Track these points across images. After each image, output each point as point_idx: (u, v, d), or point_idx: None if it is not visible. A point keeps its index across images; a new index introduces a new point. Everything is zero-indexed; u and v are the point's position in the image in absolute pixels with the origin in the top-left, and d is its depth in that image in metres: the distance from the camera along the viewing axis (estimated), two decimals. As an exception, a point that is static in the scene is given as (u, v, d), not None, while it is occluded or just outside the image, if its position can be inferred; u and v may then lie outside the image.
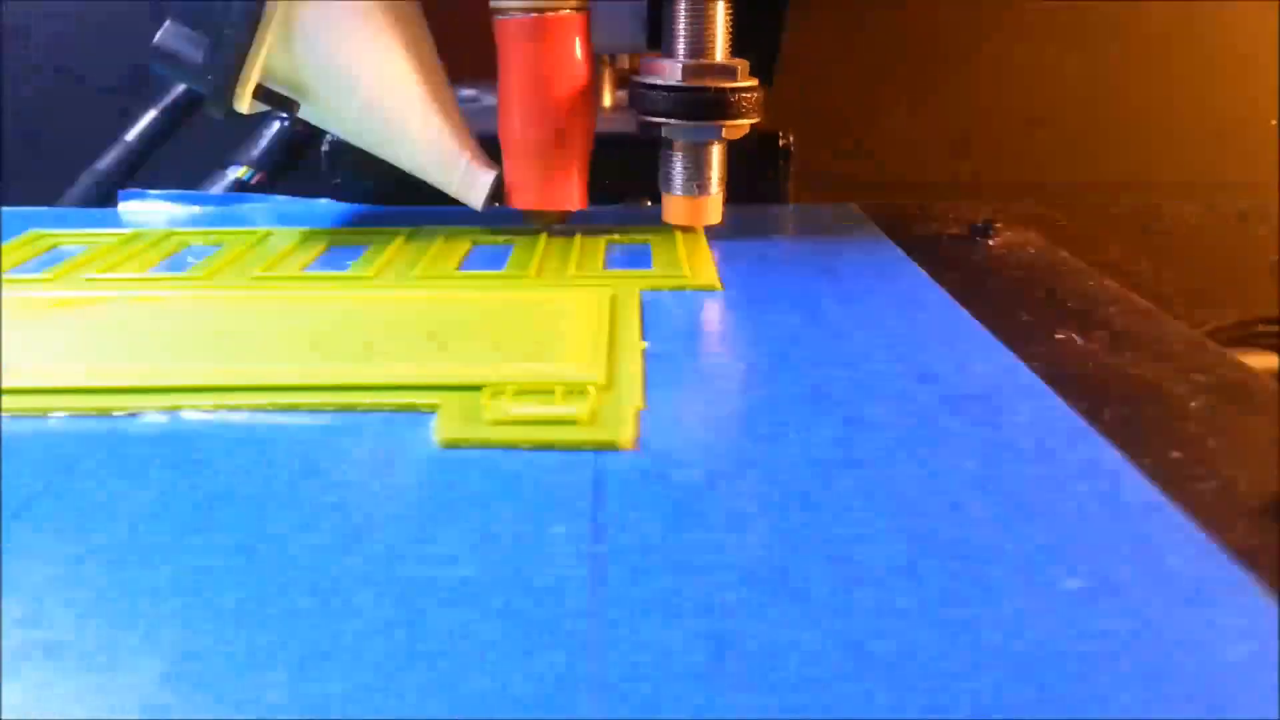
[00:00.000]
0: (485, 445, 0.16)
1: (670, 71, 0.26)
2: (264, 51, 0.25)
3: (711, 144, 0.27)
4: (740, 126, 0.27)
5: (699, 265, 0.26)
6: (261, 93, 0.26)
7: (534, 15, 0.26)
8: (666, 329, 0.21)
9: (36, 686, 0.11)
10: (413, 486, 0.15)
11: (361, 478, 0.15)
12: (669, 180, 0.28)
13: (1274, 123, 0.85)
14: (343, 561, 0.13)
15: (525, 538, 0.13)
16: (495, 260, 0.26)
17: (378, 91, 0.26)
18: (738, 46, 0.27)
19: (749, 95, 0.26)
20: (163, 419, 0.17)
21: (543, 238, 0.28)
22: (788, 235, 0.30)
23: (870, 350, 0.20)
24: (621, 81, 0.55)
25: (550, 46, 0.26)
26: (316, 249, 0.27)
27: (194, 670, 0.11)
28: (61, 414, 0.17)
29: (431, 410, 0.17)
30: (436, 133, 0.27)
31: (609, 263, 0.26)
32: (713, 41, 0.27)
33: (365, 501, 0.14)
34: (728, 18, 0.27)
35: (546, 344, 0.20)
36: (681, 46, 0.27)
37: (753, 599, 0.12)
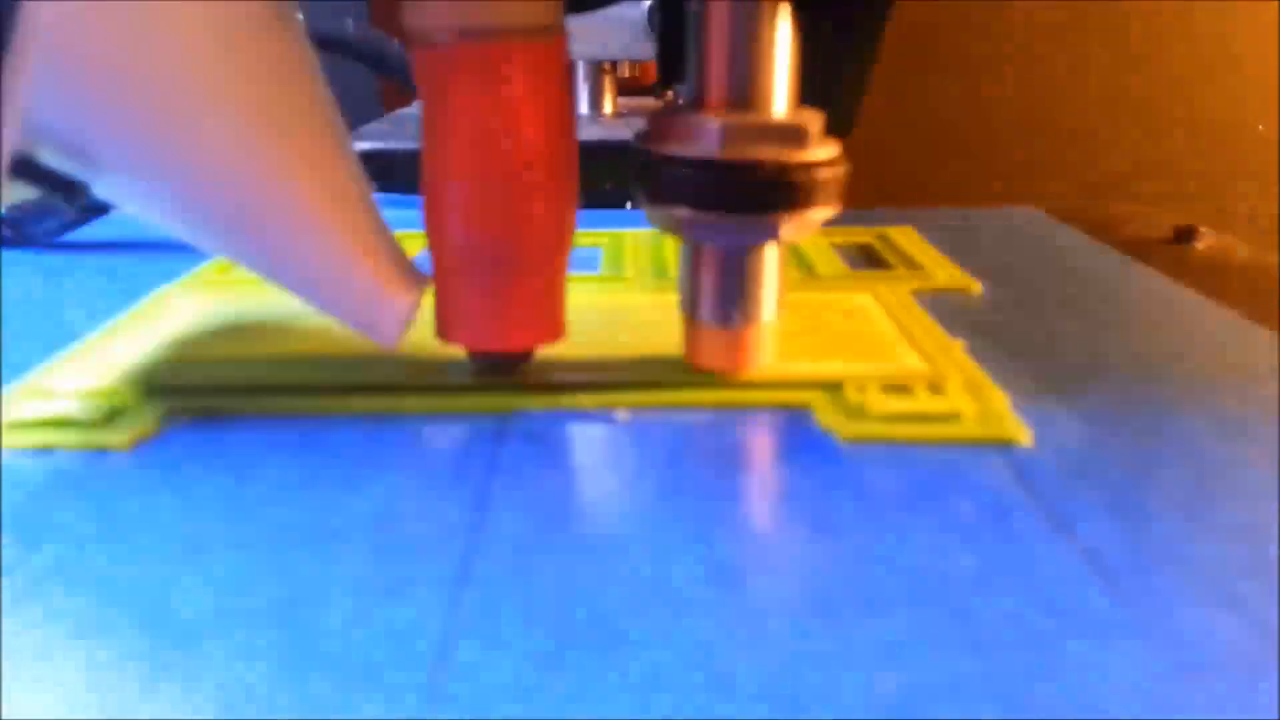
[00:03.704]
0: (884, 441, 0.15)
1: (698, 133, 0.16)
2: (18, 97, 0.13)
3: (763, 248, 0.17)
4: (809, 222, 0.16)
5: (944, 268, 0.24)
6: (22, 168, 0.15)
7: (483, 41, 0.15)
8: (957, 329, 0.20)
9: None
10: (867, 481, 0.14)
11: (793, 471, 0.15)
12: (695, 300, 0.17)
13: (1260, 127, 0.84)
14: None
15: (993, 530, 0.13)
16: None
17: (218, 162, 0.15)
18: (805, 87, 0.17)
19: (828, 172, 0.16)
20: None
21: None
22: (996, 238, 0.29)
23: (1184, 351, 0.19)
24: (623, 89, 0.51)
25: (512, 93, 0.16)
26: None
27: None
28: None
29: (799, 406, 0.17)
30: (320, 230, 0.16)
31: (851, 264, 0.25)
32: (769, 81, 0.16)
33: (848, 497, 0.14)
34: (794, 40, 0.16)
35: (858, 343, 0.19)
36: (716, 89, 0.16)
37: None
